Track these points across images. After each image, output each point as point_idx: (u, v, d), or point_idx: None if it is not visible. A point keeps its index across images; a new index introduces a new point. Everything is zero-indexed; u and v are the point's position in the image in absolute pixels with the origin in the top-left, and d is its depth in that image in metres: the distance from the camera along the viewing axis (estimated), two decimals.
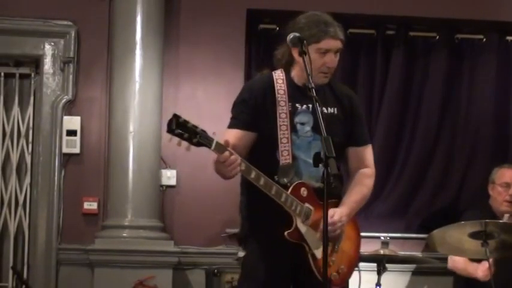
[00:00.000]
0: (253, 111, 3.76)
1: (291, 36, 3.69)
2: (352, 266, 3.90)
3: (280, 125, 3.72)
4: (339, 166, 3.85)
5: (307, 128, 3.76)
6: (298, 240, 3.69)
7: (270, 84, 3.80)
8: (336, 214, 3.71)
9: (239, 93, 3.89)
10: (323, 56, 3.73)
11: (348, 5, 6.23)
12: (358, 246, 3.95)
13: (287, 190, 3.65)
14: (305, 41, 3.67)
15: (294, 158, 3.71)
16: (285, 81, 3.79)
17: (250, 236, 3.85)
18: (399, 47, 6.53)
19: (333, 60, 3.75)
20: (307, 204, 3.69)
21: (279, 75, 3.82)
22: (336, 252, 3.79)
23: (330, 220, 3.65)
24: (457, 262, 5.51)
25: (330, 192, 3.71)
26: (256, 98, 3.77)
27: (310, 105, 3.75)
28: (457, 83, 6.60)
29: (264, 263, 3.75)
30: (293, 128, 3.74)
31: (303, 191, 3.69)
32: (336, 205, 3.78)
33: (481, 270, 5.27)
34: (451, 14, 6.43)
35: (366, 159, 3.93)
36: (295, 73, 3.83)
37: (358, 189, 3.86)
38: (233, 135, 3.70)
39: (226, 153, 3.47)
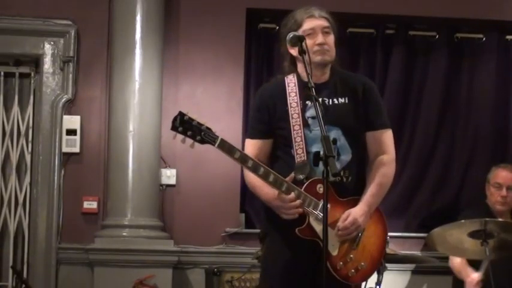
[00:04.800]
0: (267, 117, 3.84)
1: (290, 35, 3.72)
2: (375, 263, 3.87)
3: (294, 125, 3.77)
4: (361, 154, 3.88)
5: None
6: (311, 237, 3.69)
7: (283, 88, 3.85)
8: (350, 217, 3.72)
9: (253, 101, 4.02)
10: (313, 38, 3.79)
11: (347, 4, 6.23)
12: (383, 242, 3.90)
13: (303, 186, 3.67)
14: (305, 41, 3.70)
15: (308, 153, 3.74)
16: (296, 84, 3.83)
17: (269, 235, 3.89)
18: (399, 46, 6.53)
19: (320, 38, 3.79)
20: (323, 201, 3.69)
21: (291, 80, 3.86)
22: (355, 250, 3.78)
23: (342, 224, 3.70)
24: (455, 263, 5.50)
25: (347, 188, 3.76)
26: (268, 104, 3.85)
27: (320, 99, 3.75)
28: (456, 82, 6.59)
29: (280, 260, 3.78)
30: (305, 124, 3.78)
31: (319, 188, 3.68)
32: (355, 202, 3.78)
33: (469, 282, 5.21)
34: (451, 13, 6.43)
35: (384, 144, 3.91)
36: (300, 70, 3.85)
37: (375, 181, 3.84)
38: (254, 146, 3.85)
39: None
